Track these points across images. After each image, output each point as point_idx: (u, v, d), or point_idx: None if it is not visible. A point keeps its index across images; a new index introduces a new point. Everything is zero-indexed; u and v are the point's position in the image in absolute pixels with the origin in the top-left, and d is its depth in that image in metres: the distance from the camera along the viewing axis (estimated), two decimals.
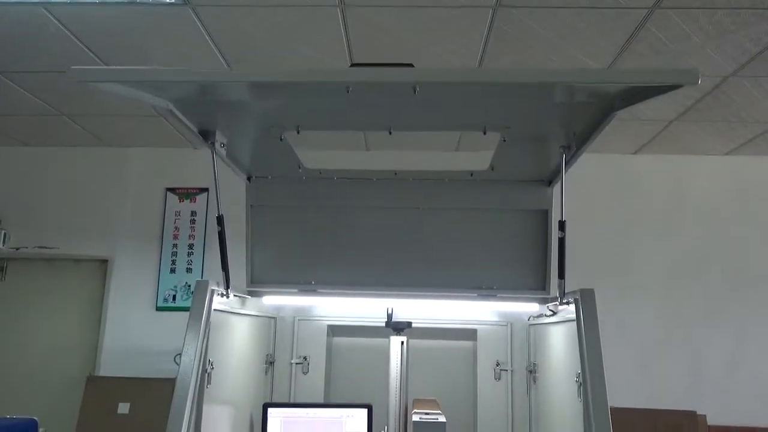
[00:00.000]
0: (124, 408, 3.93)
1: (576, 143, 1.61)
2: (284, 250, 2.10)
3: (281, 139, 1.69)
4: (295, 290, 2.01)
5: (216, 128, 1.63)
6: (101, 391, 3.94)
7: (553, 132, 1.60)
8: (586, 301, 1.60)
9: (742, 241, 4.05)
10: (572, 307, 1.69)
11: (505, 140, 1.65)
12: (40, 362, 4.24)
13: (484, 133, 1.58)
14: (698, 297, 4.00)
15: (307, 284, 1.98)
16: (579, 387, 1.64)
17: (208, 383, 1.71)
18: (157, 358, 4.07)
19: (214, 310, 1.74)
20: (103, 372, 4.19)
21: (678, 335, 3.95)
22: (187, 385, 1.55)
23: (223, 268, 1.84)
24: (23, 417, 1.88)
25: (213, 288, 1.70)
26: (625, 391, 3.61)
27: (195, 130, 1.62)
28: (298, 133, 1.61)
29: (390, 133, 1.58)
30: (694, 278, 4.01)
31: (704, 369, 3.89)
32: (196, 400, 1.61)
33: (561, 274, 1.73)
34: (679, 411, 3.24)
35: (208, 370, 1.70)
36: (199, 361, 1.62)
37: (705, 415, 3.28)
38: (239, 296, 2.00)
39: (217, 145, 1.67)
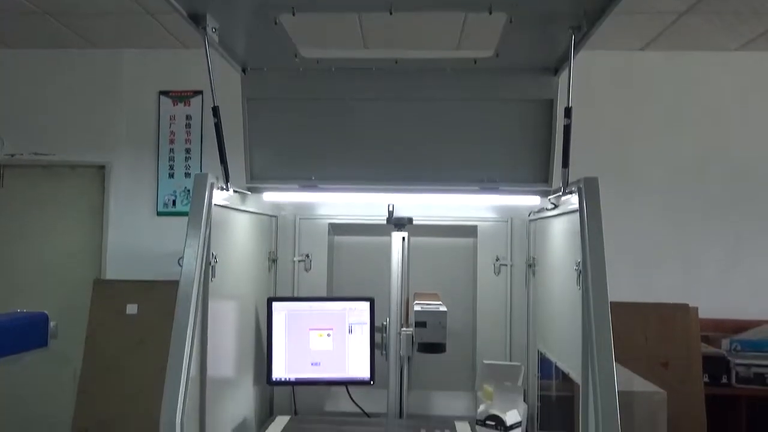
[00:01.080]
0: (132, 309, 4.03)
1: (586, 23, 1.53)
2: (283, 145, 2.06)
3: (276, 23, 1.61)
4: (296, 186, 1.99)
5: (207, 11, 1.55)
6: (108, 293, 4.02)
7: (563, 11, 1.52)
8: (589, 189, 1.59)
9: (747, 144, 4.00)
10: (575, 197, 1.68)
11: (511, 21, 1.57)
12: (46, 267, 4.31)
13: (490, 13, 1.50)
14: (698, 199, 4.01)
15: (307, 180, 1.96)
16: (579, 275, 1.66)
17: (212, 276, 1.72)
18: (160, 262, 4.14)
19: (215, 205, 1.73)
20: (108, 276, 4.28)
21: (675, 237, 4.00)
22: (192, 276, 1.57)
23: (221, 161, 1.81)
24: (34, 311, 1.92)
25: (212, 181, 1.68)
26: (620, 290, 3.70)
27: (185, 13, 1.54)
28: (293, 15, 1.52)
29: (391, 13, 1.50)
30: (696, 180, 4.01)
31: (700, 269, 3.97)
32: (201, 292, 1.63)
33: (565, 163, 1.71)
34: (671, 304, 3.33)
35: (212, 263, 1.71)
36: (203, 252, 1.63)
37: (697, 308, 3.37)
38: (239, 192, 1.98)
39: (208, 29, 1.59)
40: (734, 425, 3.51)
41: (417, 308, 1.97)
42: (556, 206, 1.98)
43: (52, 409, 4.09)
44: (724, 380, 3.48)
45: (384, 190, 2.00)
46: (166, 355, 1.48)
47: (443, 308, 1.96)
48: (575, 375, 1.69)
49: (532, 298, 2.42)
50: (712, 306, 3.65)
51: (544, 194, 1.98)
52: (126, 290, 3.95)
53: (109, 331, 3.97)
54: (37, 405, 4.13)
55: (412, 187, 1.93)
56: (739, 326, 3.91)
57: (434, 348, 1.98)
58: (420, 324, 1.95)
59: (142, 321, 3.94)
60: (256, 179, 1.99)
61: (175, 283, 1.57)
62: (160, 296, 3.88)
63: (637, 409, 1.38)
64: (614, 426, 1.36)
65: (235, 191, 1.92)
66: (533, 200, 2.09)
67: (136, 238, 4.24)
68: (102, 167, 4.26)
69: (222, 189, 1.79)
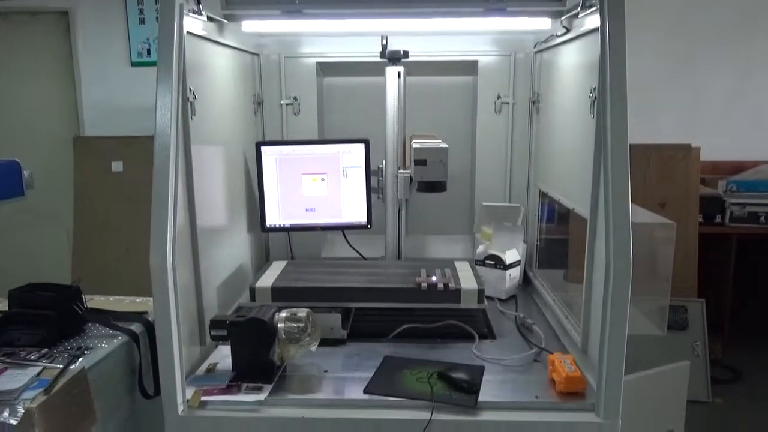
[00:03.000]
0: (117, 167, 3.91)
1: None
2: None
3: None
4: (278, 12, 1.77)
5: None
6: (91, 151, 3.88)
7: None
8: (613, 4, 1.40)
9: None
10: (593, 17, 1.50)
11: None
12: (22, 124, 4.11)
13: None
14: (707, 33, 3.77)
15: (291, 4, 1.73)
16: (593, 103, 1.52)
17: (192, 114, 1.57)
18: (141, 116, 3.93)
19: (189, 33, 1.53)
20: (88, 133, 4.09)
21: (681, 72, 3.82)
22: (168, 111, 1.42)
23: None
24: (4, 159, 1.78)
25: (181, 2, 1.47)
26: None
27: None
28: None
29: None
30: (705, 12, 3.74)
31: (704, 106, 3.83)
32: (181, 131, 1.49)
33: None
34: (673, 144, 3.24)
35: (190, 99, 1.55)
36: (178, 85, 1.46)
37: (699, 148, 3.29)
38: (215, 20, 1.76)
39: None
40: (723, 262, 3.60)
41: (416, 146, 1.86)
42: (568, 30, 1.79)
43: (48, 271, 4.12)
44: (718, 220, 3.51)
45: (377, 14, 1.79)
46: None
47: (444, 145, 1.84)
48: (582, 210, 1.62)
49: (535, 136, 2.30)
50: (712, 145, 3.55)
51: (557, 15, 1.78)
52: (108, 147, 3.80)
53: (97, 190, 3.88)
54: (32, 268, 4.15)
55: (409, 10, 1.71)
56: (737, 167, 3.88)
57: (434, 186, 1.89)
58: (420, 162, 1.84)
59: (129, 178, 3.84)
60: (233, 4, 1.76)
61: None
62: (145, 152, 3.73)
63: (645, 240, 1.32)
64: (627, 257, 1.31)
65: (210, 18, 1.70)
66: (543, 24, 1.89)
67: (112, 91, 4.00)
68: (65, 13, 3.89)
69: (194, 13, 1.57)
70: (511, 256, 2.11)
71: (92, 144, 3.82)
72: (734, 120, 3.86)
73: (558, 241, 2.33)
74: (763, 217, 3.41)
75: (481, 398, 1.42)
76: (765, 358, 3.62)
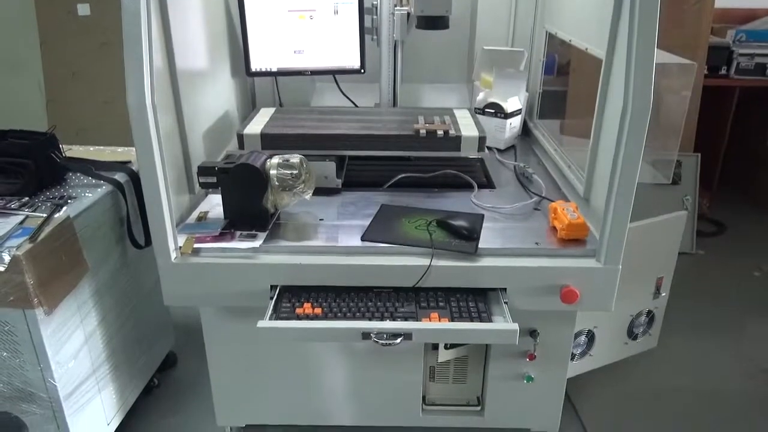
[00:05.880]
0: (84, 9, 3.61)
1: None
2: None
3: None
4: None
5: None
6: None
7: None
8: None
9: None
10: None
11: None
12: None
13: None
14: None
15: None
16: None
17: None
18: None
19: None
20: None
21: None
22: None
23: None
24: None
25: None
26: None
27: None
28: None
29: None
30: None
31: None
32: None
33: None
34: None
35: None
36: None
37: None
38: None
39: None
40: (721, 117, 3.52)
41: None
42: None
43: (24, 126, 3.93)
44: (723, 71, 3.36)
45: None
46: None
47: None
48: (597, 50, 1.49)
49: None
50: None
51: None
52: None
53: (65, 36, 3.61)
54: (5, 123, 3.96)
55: None
56: (749, 16, 3.66)
57: (436, 23, 1.73)
58: None
59: (99, 23, 3.55)
60: None
61: None
62: None
63: (659, 82, 1.22)
64: (647, 99, 1.21)
65: None
66: None
67: None
68: None
69: None
70: (512, 104, 2.00)
71: None
72: None
73: (561, 91, 2.23)
74: None
75: (481, 245, 1.40)
76: (748, 213, 3.68)
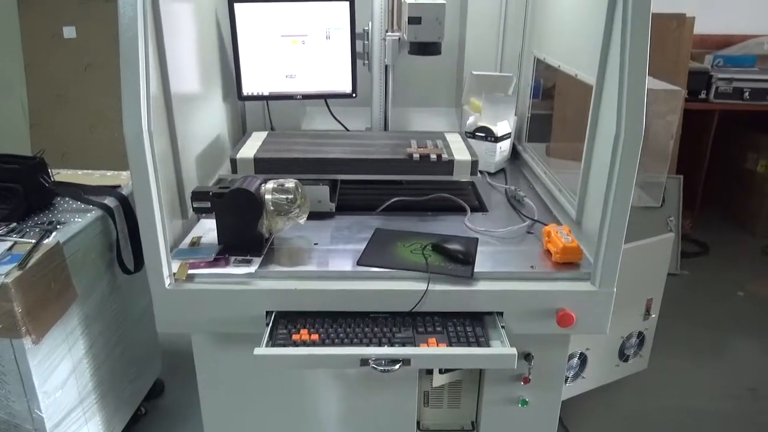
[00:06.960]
0: (70, 32, 3.59)
1: None
2: None
3: None
4: None
5: None
6: (37, 13, 3.53)
7: None
8: None
9: None
10: None
11: None
12: None
13: None
14: None
15: None
16: None
17: None
18: None
19: None
20: None
21: None
22: None
23: None
24: None
25: None
26: None
27: None
28: None
29: None
30: None
31: None
32: None
33: None
34: (668, 13, 3.08)
35: None
36: None
37: (694, 18, 3.15)
38: None
39: None
40: (702, 140, 3.59)
41: (411, 1, 1.68)
42: None
43: (8, 148, 3.88)
44: (702, 95, 3.45)
45: None
46: (119, 78, 1.21)
47: (442, 0, 1.67)
48: (586, 76, 1.52)
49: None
50: (700, 16, 3.39)
51: None
52: (57, 7, 3.45)
53: (49, 57, 3.59)
54: None
55: None
56: (725, 41, 3.77)
57: (429, 49, 1.75)
58: (414, 20, 1.68)
59: (85, 45, 3.54)
60: None
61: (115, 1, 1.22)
62: (99, 16, 3.41)
63: (648, 108, 1.25)
64: (639, 126, 1.24)
65: None
66: None
67: None
68: None
69: None
70: (502, 128, 2.02)
71: (38, 4, 3.46)
72: None
73: (546, 115, 2.26)
74: (747, 93, 3.36)
75: (476, 269, 1.40)
76: (729, 232, 3.74)
